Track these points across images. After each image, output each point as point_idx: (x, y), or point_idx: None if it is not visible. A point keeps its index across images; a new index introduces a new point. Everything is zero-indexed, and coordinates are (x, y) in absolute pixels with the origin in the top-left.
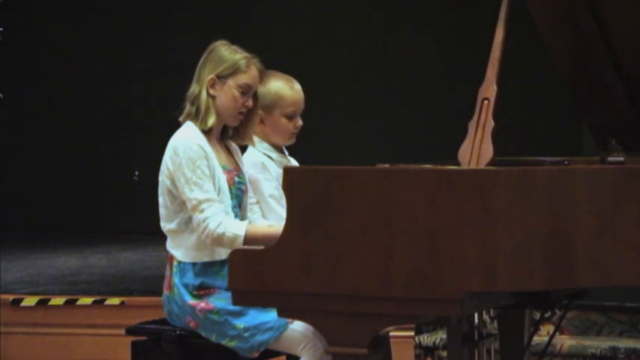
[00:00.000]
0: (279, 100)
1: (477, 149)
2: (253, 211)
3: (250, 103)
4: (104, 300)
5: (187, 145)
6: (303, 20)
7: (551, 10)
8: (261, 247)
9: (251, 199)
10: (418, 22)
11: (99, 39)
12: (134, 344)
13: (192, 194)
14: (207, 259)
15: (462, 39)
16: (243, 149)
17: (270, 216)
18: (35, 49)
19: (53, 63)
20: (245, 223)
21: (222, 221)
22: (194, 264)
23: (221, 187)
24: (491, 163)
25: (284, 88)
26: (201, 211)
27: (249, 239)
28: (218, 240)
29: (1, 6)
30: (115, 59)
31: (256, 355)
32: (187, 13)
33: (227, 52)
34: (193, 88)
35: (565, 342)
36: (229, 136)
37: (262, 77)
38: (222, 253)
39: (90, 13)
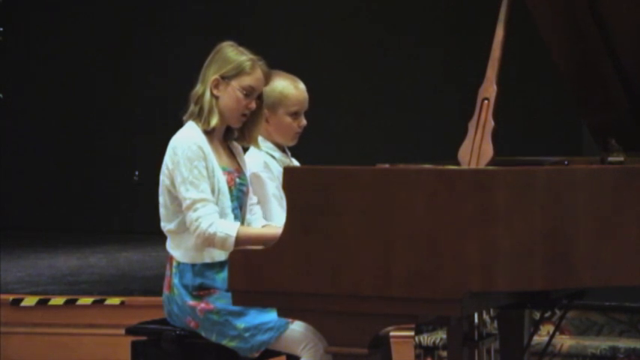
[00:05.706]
0: (284, 99)
1: (476, 149)
2: (252, 212)
3: (254, 105)
4: (104, 300)
5: (186, 145)
6: (304, 20)
7: (550, 10)
8: (261, 247)
9: (251, 200)
10: (418, 22)
11: (99, 39)
12: (134, 344)
13: (188, 194)
14: (206, 260)
15: (462, 39)
16: (246, 148)
17: (270, 215)
18: (35, 49)
19: (53, 63)
20: (237, 225)
21: (214, 222)
22: (193, 265)
23: (220, 188)
24: (491, 163)
25: (288, 87)
26: (195, 210)
27: (241, 240)
28: (209, 240)
29: (1, 6)
30: (115, 59)
31: (256, 355)
32: (188, 13)
33: (233, 53)
34: (198, 88)
35: (565, 342)
36: (234, 137)
37: (268, 79)
38: (222, 255)
39: (90, 13)
